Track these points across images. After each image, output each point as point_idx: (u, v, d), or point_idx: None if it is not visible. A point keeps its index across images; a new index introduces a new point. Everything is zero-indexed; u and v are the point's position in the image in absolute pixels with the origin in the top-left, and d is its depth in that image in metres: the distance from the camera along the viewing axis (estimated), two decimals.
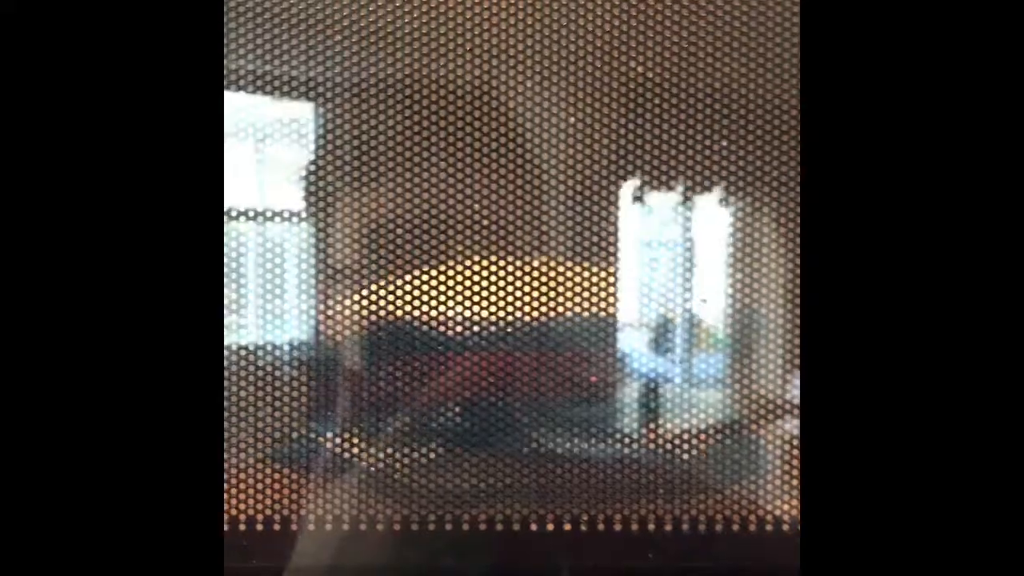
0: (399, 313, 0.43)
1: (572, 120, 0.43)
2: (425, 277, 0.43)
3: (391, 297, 0.43)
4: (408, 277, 0.43)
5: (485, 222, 0.43)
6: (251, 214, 0.43)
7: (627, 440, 0.44)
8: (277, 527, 0.44)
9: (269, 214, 0.43)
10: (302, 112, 0.43)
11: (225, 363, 0.43)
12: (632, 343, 0.44)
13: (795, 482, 0.44)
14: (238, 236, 0.43)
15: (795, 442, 0.44)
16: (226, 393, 0.43)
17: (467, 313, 0.43)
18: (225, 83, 0.42)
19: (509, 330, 0.44)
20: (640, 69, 0.43)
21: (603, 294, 0.44)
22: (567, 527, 0.44)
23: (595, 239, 0.44)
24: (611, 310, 0.44)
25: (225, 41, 0.42)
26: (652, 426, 0.45)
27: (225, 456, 0.43)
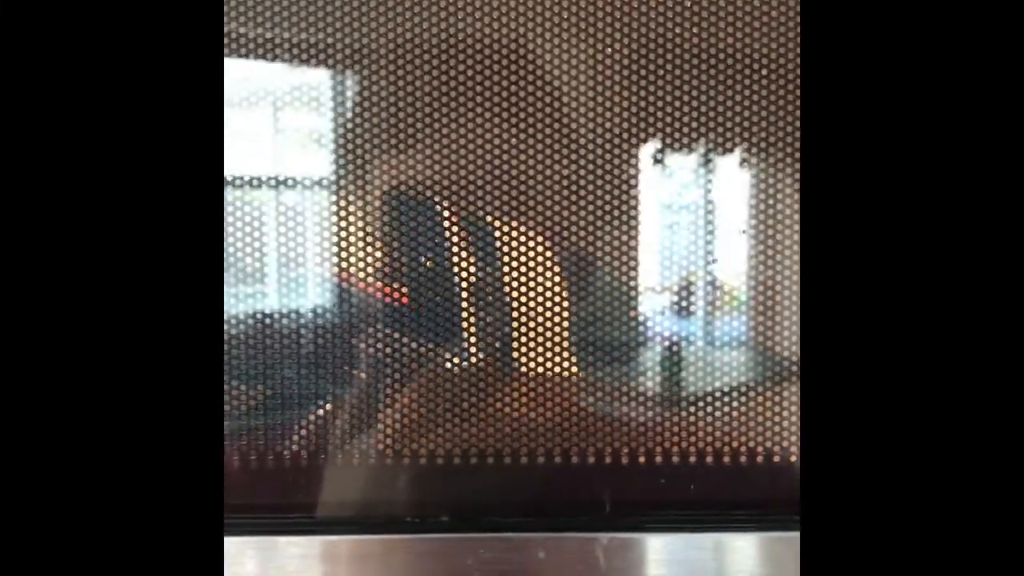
0: (421, 272, 0.44)
1: (594, 82, 0.43)
2: (444, 239, 0.44)
3: (411, 261, 0.44)
4: (427, 240, 0.44)
5: (506, 186, 0.43)
6: (270, 181, 0.44)
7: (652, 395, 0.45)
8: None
9: (288, 181, 0.44)
10: (318, 78, 0.43)
11: (243, 329, 0.45)
12: (657, 305, 0.45)
13: None
14: (258, 203, 0.44)
15: None
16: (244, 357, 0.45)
17: (488, 272, 0.44)
18: (239, 50, 0.43)
19: (532, 289, 0.44)
20: (664, 29, 0.43)
21: (625, 256, 0.44)
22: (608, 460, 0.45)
23: (618, 201, 0.44)
24: (633, 272, 0.44)
25: (240, 9, 0.43)
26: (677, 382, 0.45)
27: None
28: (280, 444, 0.45)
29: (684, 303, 0.45)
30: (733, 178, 0.44)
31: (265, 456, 0.45)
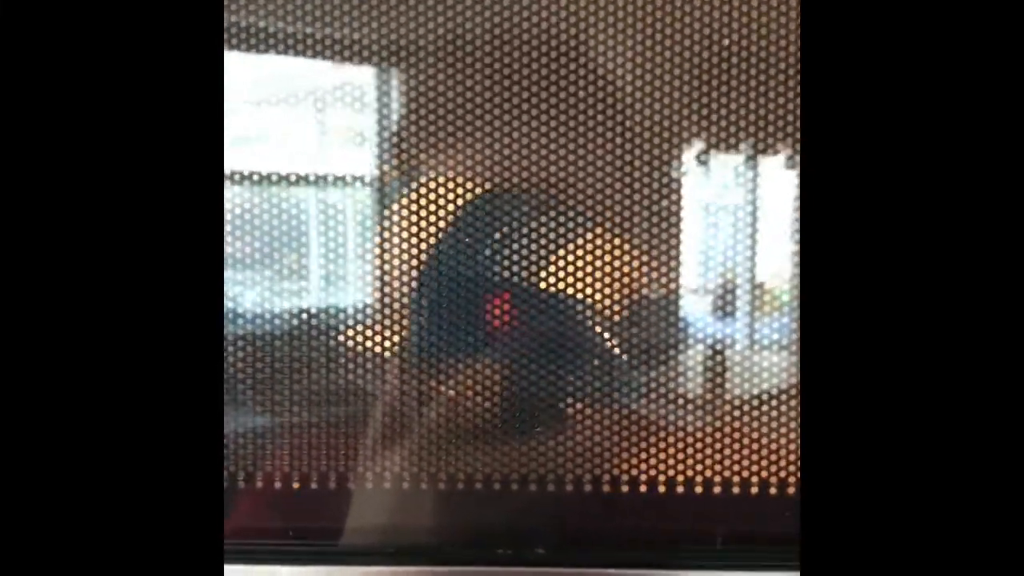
0: (464, 273, 0.44)
1: (640, 80, 0.42)
2: (484, 238, 0.43)
3: (452, 259, 0.44)
4: (468, 239, 0.43)
5: (545, 185, 0.43)
6: (312, 179, 0.44)
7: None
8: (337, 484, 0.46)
9: (330, 179, 0.44)
10: (362, 76, 0.43)
11: (283, 326, 0.45)
12: (698, 307, 0.44)
13: None
14: (300, 201, 0.44)
15: None
16: (283, 354, 0.45)
17: (528, 276, 0.43)
18: (285, 47, 0.43)
19: (573, 296, 0.43)
20: (712, 26, 0.42)
21: (667, 257, 0.43)
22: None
23: (661, 201, 0.43)
24: (675, 274, 0.43)
25: (289, 5, 0.43)
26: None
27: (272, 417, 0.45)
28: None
29: (728, 308, 0.44)
30: (776, 179, 0.43)
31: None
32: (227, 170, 0.43)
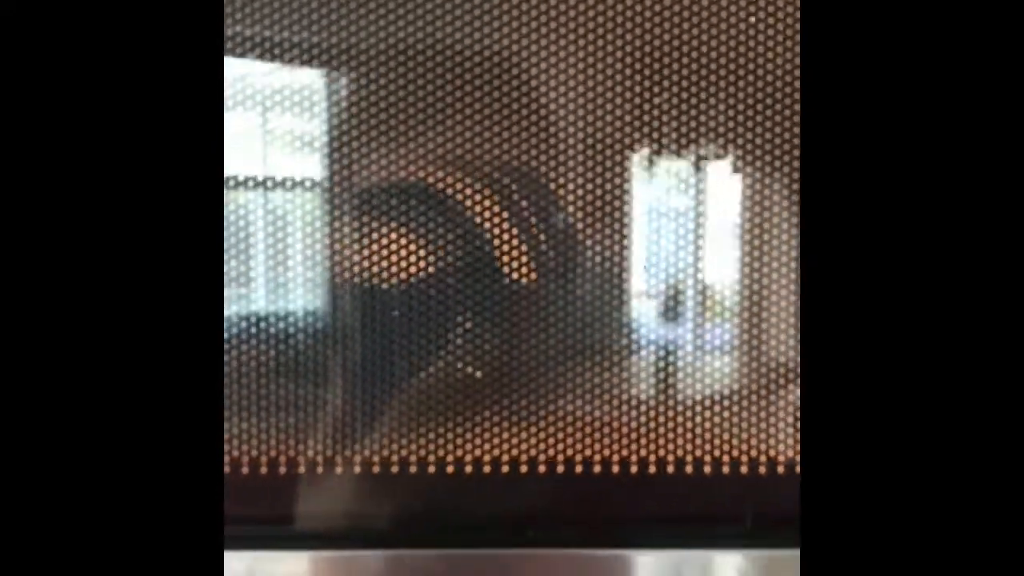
0: (404, 276, 0.44)
1: (585, 86, 0.43)
2: (430, 240, 0.44)
3: (395, 262, 0.44)
4: (412, 242, 0.43)
5: (494, 186, 0.43)
6: (257, 183, 0.43)
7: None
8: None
9: (275, 183, 0.43)
10: (307, 79, 0.43)
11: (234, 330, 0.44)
12: (643, 311, 0.44)
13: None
14: (244, 205, 0.43)
15: None
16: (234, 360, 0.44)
17: (471, 273, 0.44)
18: (229, 50, 0.42)
19: (516, 293, 0.44)
20: (655, 32, 0.42)
21: (613, 261, 0.44)
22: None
23: (607, 206, 0.43)
24: (621, 277, 0.44)
25: (232, 7, 0.42)
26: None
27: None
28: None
29: (673, 308, 0.45)
30: (725, 184, 0.44)
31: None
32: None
